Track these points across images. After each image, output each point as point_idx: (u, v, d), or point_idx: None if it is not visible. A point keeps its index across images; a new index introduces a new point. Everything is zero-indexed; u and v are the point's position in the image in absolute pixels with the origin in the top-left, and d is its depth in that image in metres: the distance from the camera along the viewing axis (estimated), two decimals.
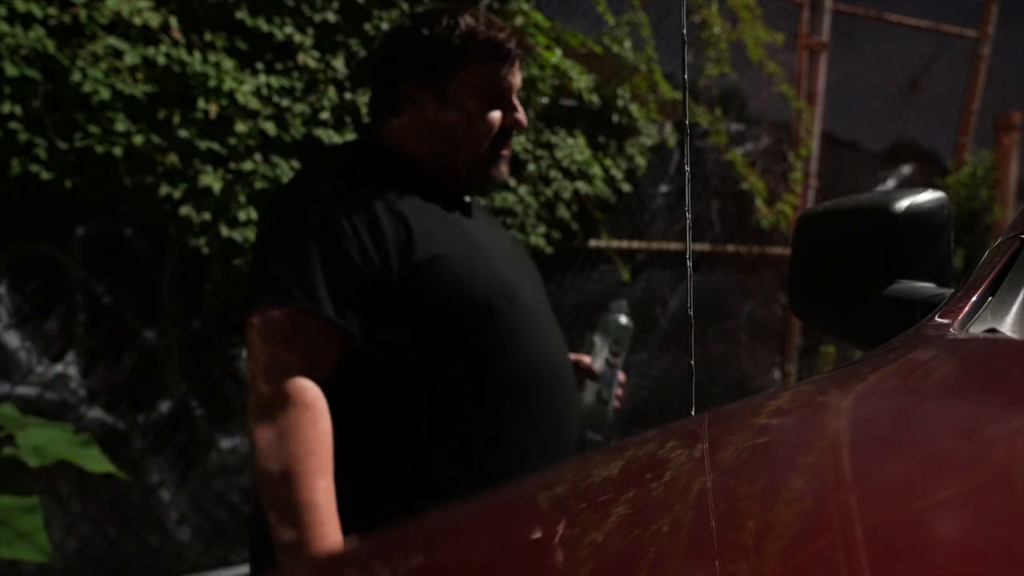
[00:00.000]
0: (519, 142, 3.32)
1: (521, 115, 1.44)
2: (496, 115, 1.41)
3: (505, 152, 1.45)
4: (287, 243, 1.21)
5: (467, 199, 1.46)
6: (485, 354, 1.29)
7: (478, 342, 1.28)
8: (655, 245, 4.08)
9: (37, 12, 2.31)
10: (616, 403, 1.62)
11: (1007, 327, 0.75)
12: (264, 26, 2.73)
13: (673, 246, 4.18)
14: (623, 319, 1.67)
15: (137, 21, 2.46)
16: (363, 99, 2.94)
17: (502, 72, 1.41)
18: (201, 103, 2.53)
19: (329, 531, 1.07)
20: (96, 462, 1.15)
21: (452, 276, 1.27)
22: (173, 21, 2.56)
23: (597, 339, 1.65)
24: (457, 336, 1.28)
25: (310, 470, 1.08)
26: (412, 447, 1.25)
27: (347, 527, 1.12)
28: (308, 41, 2.81)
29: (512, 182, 3.32)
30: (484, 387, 1.29)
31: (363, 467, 1.22)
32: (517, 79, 1.44)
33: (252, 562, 1.30)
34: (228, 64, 2.60)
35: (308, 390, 1.14)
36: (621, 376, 1.64)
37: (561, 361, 1.42)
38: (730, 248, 4.67)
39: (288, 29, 2.78)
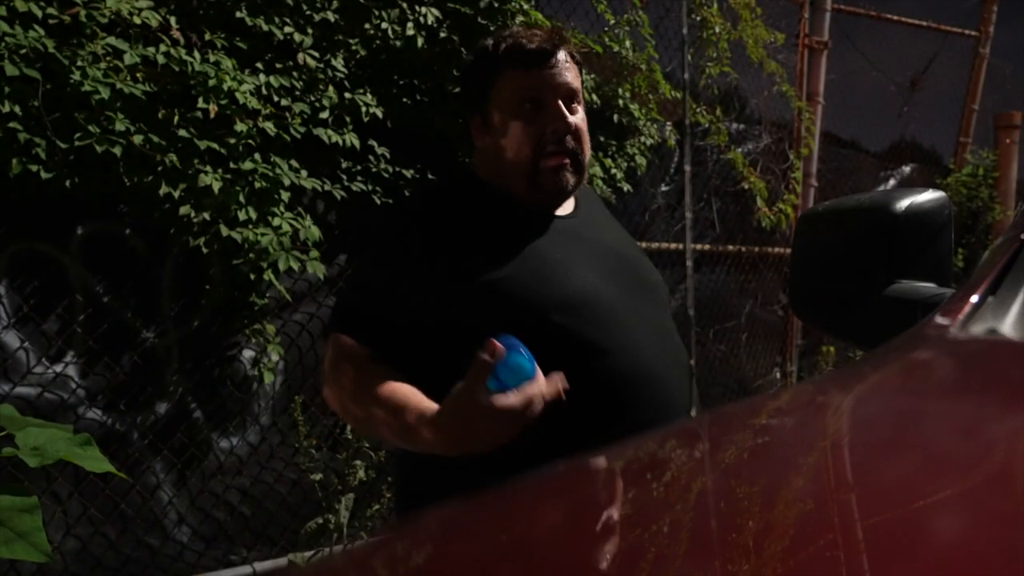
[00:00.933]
0: None
1: (558, 116, 1.37)
2: (532, 124, 1.37)
3: (557, 160, 1.37)
4: (349, 279, 1.46)
5: (554, 212, 1.42)
6: (546, 366, 1.24)
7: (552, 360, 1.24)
8: (655, 245, 4.08)
9: (37, 12, 2.30)
10: None
11: (1007, 327, 0.75)
12: (264, 26, 2.73)
13: (673, 246, 4.18)
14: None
15: (137, 21, 2.46)
16: (363, 99, 2.94)
17: (530, 78, 1.37)
18: (201, 102, 2.52)
19: (406, 406, 1.23)
20: (95, 462, 1.15)
21: (499, 297, 1.31)
22: (173, 21, 2.56)
23: None
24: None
25: (361, 405, 1.29)
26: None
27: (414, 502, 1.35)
28: (308, 40, 2.81)
29: None
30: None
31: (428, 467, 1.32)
32: (556, 79, 1.37)
33: (397, 510, 1.51)
34: (228, 64, 2.60)
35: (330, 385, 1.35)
36: None
37: (654, 367, 1.34)
38: (730, 248, 4.67)
39: (288, 28, 2.77)
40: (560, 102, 1.38)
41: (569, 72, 1.40)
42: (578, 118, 1.40)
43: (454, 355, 1.24)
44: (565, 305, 1.32)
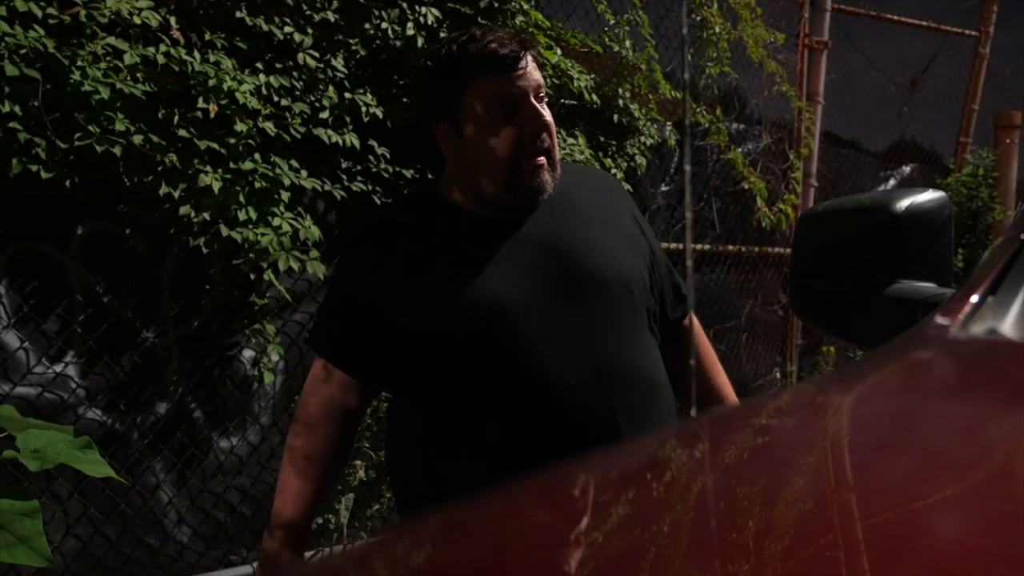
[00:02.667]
0: None
1: (534, 117, 1.37)
2: (509, 126, 1.37)
3: (534, 160, 1.38)
4: (323, 300, 1.56)
5: (521, 218, 1.42)
6: (474, 378, 1.38)
7: (467, 369, 1.38)
8: None
9: (37, 12, 2.30)
10: None
11: (1007, 327, 0.75)
12: (264, 25, 2.73)
13: (673, 246, 4.18)
14: None
15: (137, 21, 2.46)
16: (363, 99, 2.94)
17: (502, 81, 1.37)
18: (201, 102, 2.52)
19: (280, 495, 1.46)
20: (96, 466, 1.15)
21: (425, 307, 1.39)
22: (173, 21, 2.56)
23: None
24: (446, 365, 1.39)
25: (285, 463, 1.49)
26: (437, 444, 1.42)
27: (416, 492, 1.45)
28: (308, 40, 2.81)
29: None
30: (480, 403, 1.37)
31: (414, 453, 1.47)
32: (527, 81, 1.38)
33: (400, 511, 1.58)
34: (228, 63, 2.60)
35: (302, 408, 1.49)
36: None
37: (567, 377, 1.34)
38: (730, 248, 4.67)
39: (288, 28, 2.77)
40: (534, 102, 1.38)
41: (537, 70, 1.41)
42: (549, 115, 1.41)
43: (414, 366, 1.40)
44: (473, 314, 1.35)
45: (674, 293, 1.58)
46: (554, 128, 1.42)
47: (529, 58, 1.40)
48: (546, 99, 1.43)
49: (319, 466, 1.45)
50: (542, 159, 1.39)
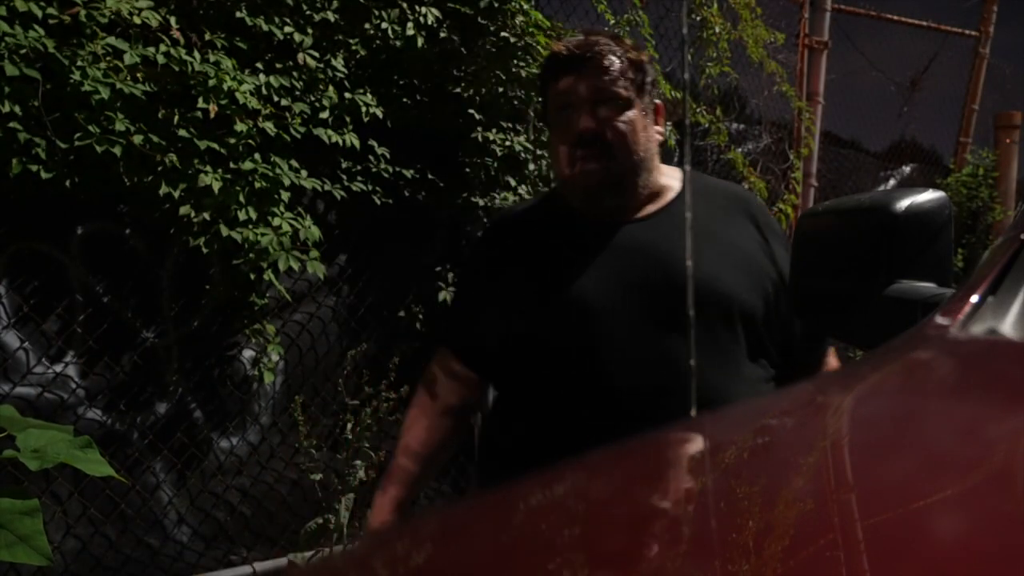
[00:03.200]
0: (519, 142, 3.32)
1: (581, 121, 1.36)
2: (564, 132, 1.39)
3: (584, 166, 1.38)
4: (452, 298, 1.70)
5: (622, 218, 1.43)
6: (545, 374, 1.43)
7: (548, 371, 1.43)
8: None
9: (37, 12, 2.30)
10: None
11: (1007, 327, 0.75)
12: (264, 25, 2.73)
13: None
14: None
15: (137, 21, 2.46)
16: (363, 99, 2.94)
17: (559, 86, 1.39)
18: (201, 102, 2.52)
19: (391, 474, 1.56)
20: (96, 465, 1.15)
21: (529, 315, 1.44)
22: (173, 21, 2.56)
23: None
24: (533, 365, 1.44)
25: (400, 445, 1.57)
26: (519, 424, 1.48)
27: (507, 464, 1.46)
28: (308, 40, 2.81)
29: (512, 182, 3.32)
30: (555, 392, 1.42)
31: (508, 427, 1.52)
32: (582, 84, 1.37)
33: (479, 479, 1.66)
34: (228, 63, 2.60)
35: (419, 394, 1.58)
36: None
37: (633, 384, 1.34)
38: None
39: (288, 28, 2.77)
40: (586, 106, 1.38)
41: (600, 75, 1.38)
42: (608, 118, 1.38)
43: (513, 363, 1.46)
44: (560, 319, 1.39)
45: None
46: (621, 131, 1.39)
47: (593, 62, 1.38)
48: (620, 104, 1.39)
49: (424, 454, 1.54)
50: (590, 164, 1.38)
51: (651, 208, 1.46)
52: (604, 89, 1.38)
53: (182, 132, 2.49)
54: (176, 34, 2.55)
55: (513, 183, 3.32)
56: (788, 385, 1.37)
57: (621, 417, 1.32)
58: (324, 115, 2.83)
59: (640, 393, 1.33)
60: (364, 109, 2.93)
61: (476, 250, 1.62)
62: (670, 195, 1.47)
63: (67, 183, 2.36)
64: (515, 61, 3.25)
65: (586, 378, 1.36)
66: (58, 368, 2.52)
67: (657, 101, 1.46)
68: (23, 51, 2.25)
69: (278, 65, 2.78)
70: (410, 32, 2.99)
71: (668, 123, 4.13)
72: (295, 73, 2.79)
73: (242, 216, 2.56)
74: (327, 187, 2.88)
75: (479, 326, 1.51)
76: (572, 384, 1.37)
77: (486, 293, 1.51)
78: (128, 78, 2.42)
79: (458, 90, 3.20)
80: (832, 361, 1.56)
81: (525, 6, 3.29)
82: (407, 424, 1.57)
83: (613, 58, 1.40)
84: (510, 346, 1.45)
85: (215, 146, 2.54)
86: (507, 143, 3.28)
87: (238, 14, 2.69)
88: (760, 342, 1.42)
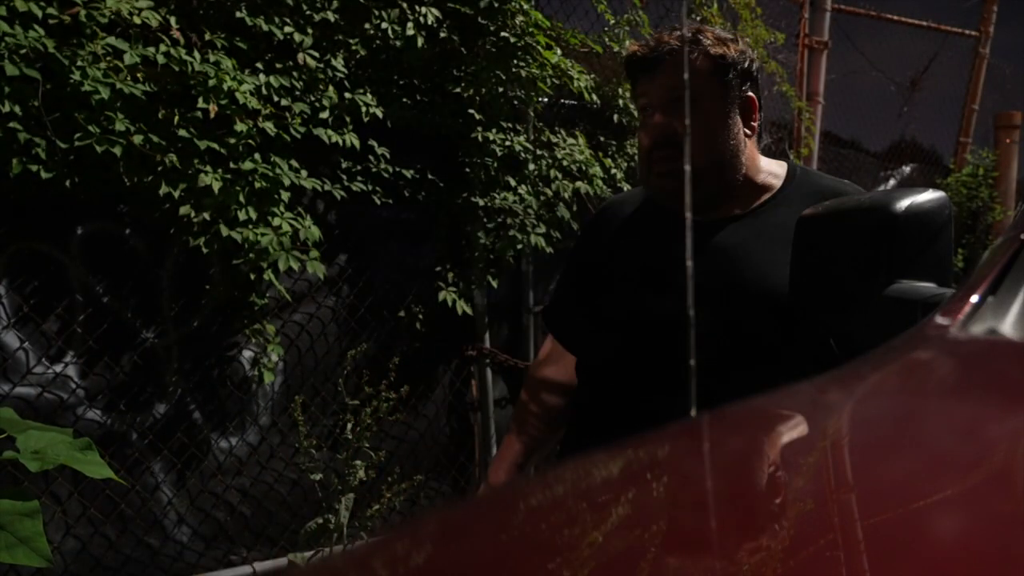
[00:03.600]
0: (518, 142, 3.32)
1: (654, 125, 1.37)
2: (643, 133, 1.41)
3: (658, 168, 1.39)
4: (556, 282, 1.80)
5: (711, 216, 1.42)
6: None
7: (612, 359, 1.52)
8: None
9: (37, 12, 2.30)
10: None
11: (1007, 327, 0.75)
12: (264, 25, 2.73)
13: None
14: None
15: (137, 21, 2.46)
16: (363, 99, 2.94)
17: (639, 87, 1.42)
18: (201, 102, 2.52)
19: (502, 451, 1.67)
20: (96, 467, 1.15)
21: (603, 304, 1.52)
22: (173, 21, 2.56)
23: None
24: (603, 351, 1.54)
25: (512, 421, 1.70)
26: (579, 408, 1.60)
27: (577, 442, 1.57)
28: (308, 40, 2.81)
29: (512, 182, 3.32)
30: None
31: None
32: (654, 86, 1.38)
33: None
34: (228, 64, 2.60)
35: (530, 375, 1.71)
36: None
37: (657, 386, 1.38)
38: None
39: (288, 28, 2.77)
40: (661, 109, 1.38)
41: (672, 75, 1.37)
42: (681, 119, 1.37)
43: (594, 347, 1.54)
44: (627, 310, 1.46)
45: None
46: (695, 133, 1.38)
47: (667, 62, 1.37)
48: (694, 101, 1.38)
49: (535, 427, 1.65)
50: (665, 168, 1.38)
51: (744, 207, 1.43)
52: (675, 89, 1.37)
53: (182, 132, 2.49)
54: (176, 34, 2.55)
55: (513, 183, 3.32)
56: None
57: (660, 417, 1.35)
58: (324, 115, 2.83)
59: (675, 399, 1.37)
60: (364, 109, 2.93)
61: (580, 236, 1.67)
62: (767, 194, 1.43)
63: (67, 183, 2.36)
64: (515, 61, 3.24)
65: (643, 379, 1.42)
66: (58, 368, 2.52)
67: (749, 94, 1.41)
68: (23, 51, 2.25)
69: (278, 65, 2.78)
70: (410, 32, 2.99)
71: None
72: (295, 73, 2.79)
73: (242, 216, 2.56)
74: (327, 187, 2.88)
75: (574, 314, 1.59)
76: (632, 383, 1.45)
77: (581, 282, 1.57)
78: (128, 78, 2.42)
79: (458, 90, 3.20)
80: None
81: (525, 6, 3.29)
82: (519, 403, 1.69)
83: (689, 56, 1.38)
84: (598, 335, 1.52)
85: (215, 146, 2.54)
86: (507, 143, 3.28)
87: (238, 14, 2.69)
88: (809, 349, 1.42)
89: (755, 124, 1.43)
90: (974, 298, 0.80)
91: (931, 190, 1.05)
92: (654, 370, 1.41)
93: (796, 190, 1.42)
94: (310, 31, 2.83)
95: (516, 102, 3.36)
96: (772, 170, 1.46)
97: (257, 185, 2.61)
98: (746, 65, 1.40)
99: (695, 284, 1.36)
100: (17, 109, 2.25)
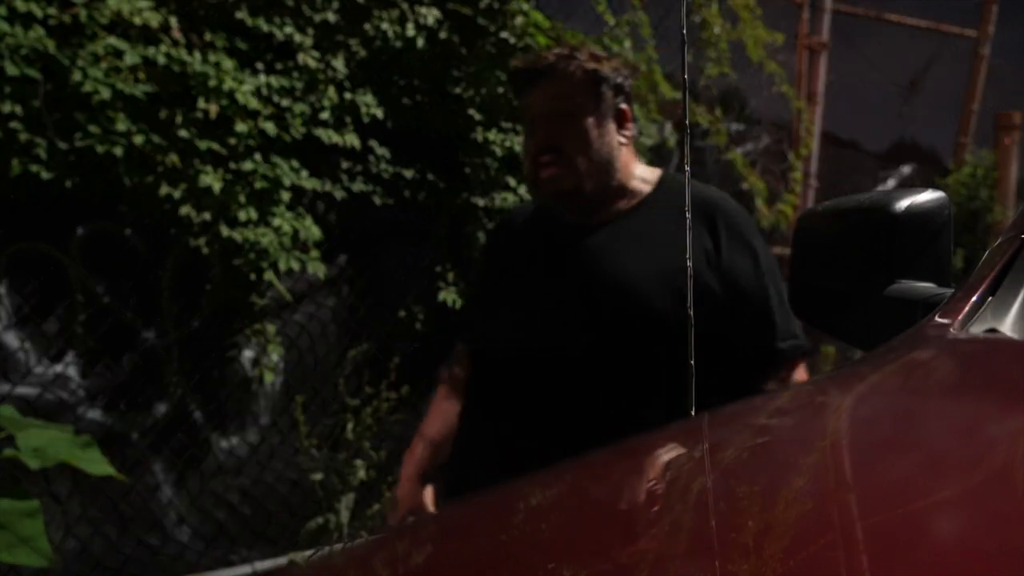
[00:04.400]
0: (519, 142, 3.32)
1: (535, 134, 1.48)
2: (525, 142, 1.53)
3: (540, 175, 1.48)
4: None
5: (584, 222, 1.50)
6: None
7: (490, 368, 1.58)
8: None
9: (37, 12, 2.30)
10: None
11: (1007, 327, 0.75)
12: (264, 26, 2.73)
13: None
14: None
15: (137, 21, 2.46)
16: (363, 99, 2.94)
17: (520, 101, 1.56)
18: (201, 103, 2.52)
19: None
20: (96, 465, 1.15)
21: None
22: (173, 21, 2.56)
23: None
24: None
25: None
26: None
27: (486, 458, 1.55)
28: (308, 41, 2.81)
29: (512, 182, 3.32)
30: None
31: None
32: (532, 101, 1.49)
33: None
34: (228, 64, 2.60)
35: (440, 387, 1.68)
36: None
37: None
38: None
39: (288, 29, 2.77)
40: (539, 119, 1.48)
41: (550, 87, 1.48)
42: (560, 130, 1.46)
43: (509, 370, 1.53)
44: (517, 320, 1.50)
45: (749, 333, 1.46)
46: (571, 143, 1.46)
47: (546, 76, 1.48)
48: (571, 113, 1.47)
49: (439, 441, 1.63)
50: (546, 174, 1.47)
51: (612, 211, 1.51)
52: (555, 99, 1.47)
53: (183, 132, 2.49)
54: (176, 34, 2.56)
55: (513, 183, 3.32)
56: (733, 400, 1.30)
57: (529, 420, 1.45)
58: (324, 115, 2.83)
59: (569, 403, 1.43)
60: (364, 109, 2.93)
61: (482, 251, 1.78)
62: (635, 200, 1.52)
63: (67, 183, 2.36)
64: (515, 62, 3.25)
65: (531, 387, 1.46)
66: (58, 368, 2.52)
67: (622, 106, 1.51)
68: (23, 51, 2.25)
69: (278, 66, 2.78)
70: (410, 33, 2.99)
71: (668, 123, 4.14)
72: (295, 74, 2.79)
73: (242, 216, 2.56)
74: (327, 187, 2.88)
75: (482, 327, 1.61)
76: (521, 392, 1.48)
77: (484, 295, 1.63)
78: (129, 78, 2.42)
79: (458, 90, 3.20)
80: (800, 376, 1.54)
81: (525, 7, 3.29)
82: (428, 414, 1.66)
83: (564, 71, 1.48)
84: (493, 348, 1.57)
85: (216, 146, 2.54)
86: (507, 143, 3.28)
87: (238, 14, 2.69)
88: (676, 355, 1.41)
89: (628, 133, 1.53)
90: (974, 298, 0.80)
91: (931, 190, 1.05)
92: (549, 384, 1.45)
93: (663, 196, 1.50)
94: (310, 32, 2.84)
95: (516, 102, 3.36)
96: (644, 176, 1.54)
97: (257, 185, 2.61)
98: (619, 80, 1.51)
99: (561, 286, 1.47)
100: (18, 109, 2.25)
